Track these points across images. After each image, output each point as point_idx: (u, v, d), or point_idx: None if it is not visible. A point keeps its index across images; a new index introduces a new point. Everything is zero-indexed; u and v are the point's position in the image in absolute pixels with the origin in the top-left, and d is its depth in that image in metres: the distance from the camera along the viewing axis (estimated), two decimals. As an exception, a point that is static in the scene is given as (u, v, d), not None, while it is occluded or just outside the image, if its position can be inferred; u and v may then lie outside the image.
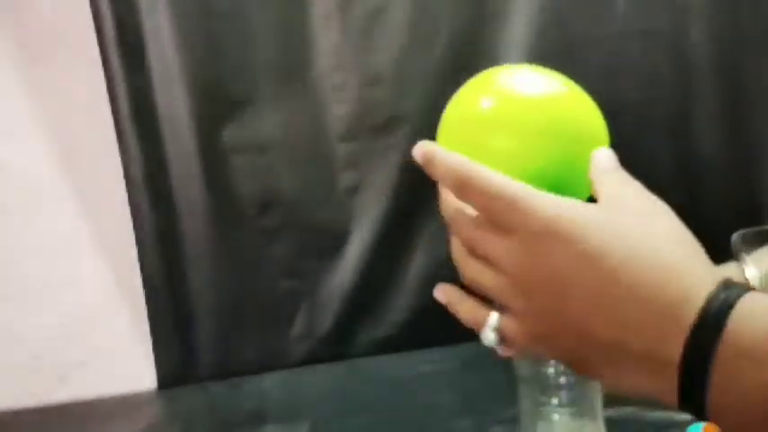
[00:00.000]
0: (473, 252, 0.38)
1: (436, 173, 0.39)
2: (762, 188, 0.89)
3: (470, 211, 0.38)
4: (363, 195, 0.84)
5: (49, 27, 0.78)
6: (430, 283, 0.93)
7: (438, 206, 0.92)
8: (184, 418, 0.76)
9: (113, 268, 0.82)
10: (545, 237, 0.35)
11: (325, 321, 0.86)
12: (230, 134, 0.80)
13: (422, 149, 0.40)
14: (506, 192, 0.36)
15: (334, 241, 0.84)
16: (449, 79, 0.84)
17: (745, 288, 0.33)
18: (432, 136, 0.95)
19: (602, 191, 0.37)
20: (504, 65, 0.45)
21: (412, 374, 0.79)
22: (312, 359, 0.85)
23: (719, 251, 0.68)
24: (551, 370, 0.46)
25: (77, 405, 0.81)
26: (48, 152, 0.79)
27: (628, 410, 0.65)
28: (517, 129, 0.40)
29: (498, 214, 0.36)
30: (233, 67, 0.79)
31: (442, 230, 0.91)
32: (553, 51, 0.83)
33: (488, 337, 0.38)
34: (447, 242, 0.93)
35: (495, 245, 0.37)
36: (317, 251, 0.84)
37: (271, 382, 0.81)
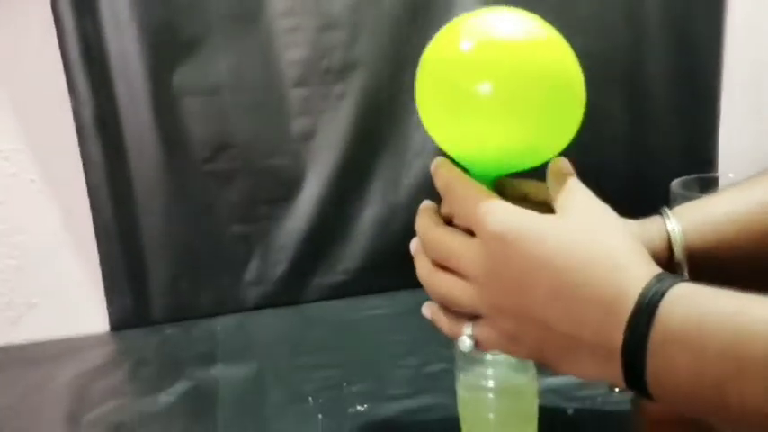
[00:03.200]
0: (440, 266, 0.44)
1: (435, 181, 0.46)
2: (711, 139, 0.91)
3: (439, 229, 0.45)
4: (317, 141, 0.84)
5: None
6: (383, 229, 0.95)
7: (392, 153, 0.92)
8: (135, 357, 0.76)
9: (64, 211, 0.82)
10: (505, 239, 0.40)
11: (279, 267, 0.86)
12: (181, 77, 0.79)
13: (435, 163, 0.47)
14: (478, 197, 0.42)
15: (288, 187, 0.85)
16: (405, 23, 0.84)
17: (678, 279, 0.38)
18: (388, 81, 0.95)
19: (556, 198, 0.44)
20: (486, 8, 0.45)
21: (362, 318, 0.81)
22: (265, 304, 0.86)
23: (667, 201, 0.70)
24: None
25: (29, 346, 0.82)
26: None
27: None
28: (496, 72, 0.41)
29: (467, 217, 0.43)
30: (184, 9, 0.78)
31: (396, 177, 0.93)
32: (509, 3, 0.83)
33: (465, 343, 0.43)
34: (401, 189, 0.94)
35: (462, 248, 0.43)
36: (270, 197, 0.84)
37: (223, 325, 0.82)
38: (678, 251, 0.46)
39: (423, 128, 0.87)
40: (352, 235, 0.87)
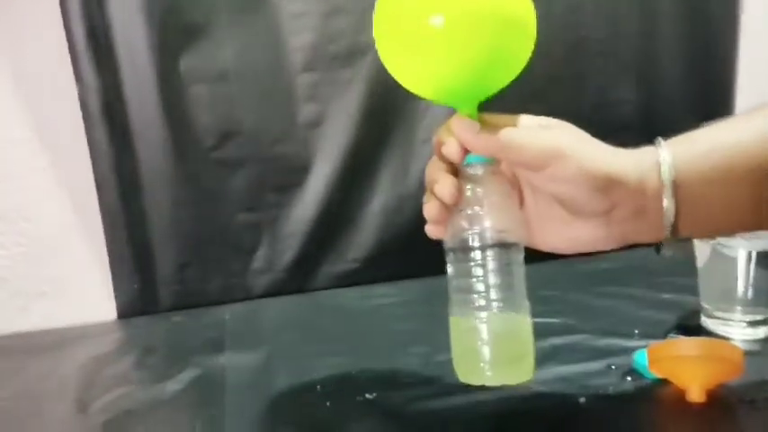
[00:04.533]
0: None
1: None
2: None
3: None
4: (325, 128, 0.83)
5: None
6: (392, 217, 0.94)
7: (400, 140, 0.91)
8: (143, 345, 0.76)
9: (72, 199, 0.82)
10: None
11: (287, 255, 0.86)
12: (188, 63, 0.79)
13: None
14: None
15: (295, 175, 0.84)
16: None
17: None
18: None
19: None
20: None
21: (370, 306, 0.80)
22: (274, 292, 0.86)
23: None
24: (476, 239, 0.47)
25: (37, 334, 0.82)
26: (2, 83, 0.78)
27: (576, 337, 0.67)
28: (450, 7, 0.44)
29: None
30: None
31: (404, 165, 0.92)
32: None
33: None
34: (409, 177, 0.93)
35: None
36: (277, 184, 0.84)
37: (231, 313, 0.82)
38: (666, 180, 0.45)
39: (431, 114, 0.86)
40: (360, 223, 0.87)
